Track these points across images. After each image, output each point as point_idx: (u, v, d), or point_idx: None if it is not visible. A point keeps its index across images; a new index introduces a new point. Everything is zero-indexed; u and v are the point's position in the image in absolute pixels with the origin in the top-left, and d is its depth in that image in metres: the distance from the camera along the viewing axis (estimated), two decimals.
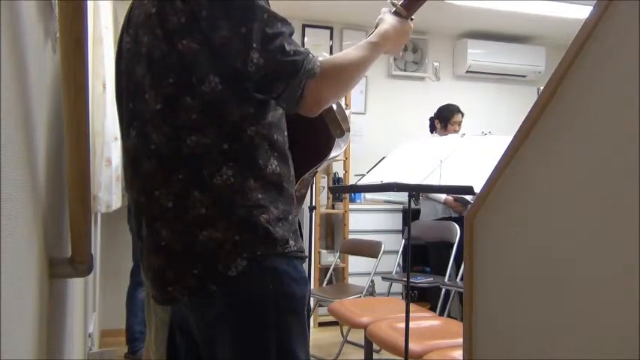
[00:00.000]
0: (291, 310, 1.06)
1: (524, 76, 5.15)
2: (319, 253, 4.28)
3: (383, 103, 4.91)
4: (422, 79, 5.05)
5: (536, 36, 5.03)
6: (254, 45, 0.99)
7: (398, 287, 4.01)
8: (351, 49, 1.13)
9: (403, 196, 2.34)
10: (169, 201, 1.03)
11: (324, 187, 4.37)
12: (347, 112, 1.27)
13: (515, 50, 5.02)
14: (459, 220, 3.62)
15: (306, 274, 1.12)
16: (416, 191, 2.37)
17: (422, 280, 3.43)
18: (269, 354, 1.03)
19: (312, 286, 3.89)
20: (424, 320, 2.63)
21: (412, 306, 2.34)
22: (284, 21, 1.03)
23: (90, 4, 2.06)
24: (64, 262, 1.02)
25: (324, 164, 1.40)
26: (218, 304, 1.03)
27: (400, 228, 4.38)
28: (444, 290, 3.39)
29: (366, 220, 4.40)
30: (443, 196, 3.81)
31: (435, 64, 5.06)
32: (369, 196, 4.56)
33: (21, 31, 0.75)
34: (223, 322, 1.03)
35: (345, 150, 3.58)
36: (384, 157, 2.74)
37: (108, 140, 2.32)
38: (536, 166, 0.76)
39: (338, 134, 1.24)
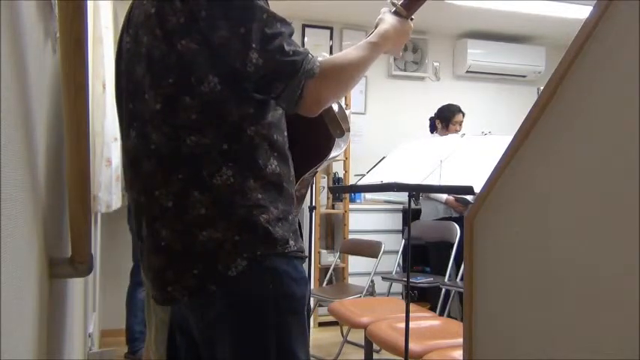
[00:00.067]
0: (291, 310, 1.06)
1: (524, 76, 5.15)
2: (319, 253, 4.28)
3: (383, 103, 4.91)
4: (422, 79, 5.05)
5: (536, 36, 5.03)
6: (253, 45, 0.99)
7: (398, 287, 4.01)
8: (350, 49, 1.13)
9: (403, 196, 2.34)
10: (169, 201, 1.03)
11: (324, 187, 4.37)
12: (347, 112, 1.27)
13: (515, 50, 5.02)
14: (459, 220, 3.62)
15: (306, 274, 1.12)
16: (416, 191, 2.38)
17: (422, 280, 3.43)
18: (269, 354, 1.03)
19: (312, 286, 3.89)
20: (424, 320, 2.63)
21: (412, 306, 2.34)
22: (283, 21, 1.03)
23: (90, 4, 2.06)
24: (64, 262, 1.02)
25: (324, 164, 1.40)
26: (218, 304, 1.03)
27: (400, 228, 4.38)
28: (444, 290, 3.39)
29: (366, 220, 4.40)
30: (444, 196, 3.81)
31: (435, 64, 5.06)
32: (369, 196, 4.56)
33: (21, 31, 0.75)
34: (223, 322, 1.03)
35: (345, 150, 3.58)
36: (384, 157, 2.74)
37: (108, 140, 2.33)
38: (536, 166, 0.76)
39: (338, 134, 1.24)
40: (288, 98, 1.03)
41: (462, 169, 2.27)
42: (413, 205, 2.54)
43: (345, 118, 1.24)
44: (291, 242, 1.06)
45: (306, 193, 1.32)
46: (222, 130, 1.02)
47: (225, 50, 1.00)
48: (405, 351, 2.13)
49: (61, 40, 0.92)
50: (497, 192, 0.83)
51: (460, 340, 0.91)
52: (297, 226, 1.11)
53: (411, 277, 2.51)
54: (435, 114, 4.11)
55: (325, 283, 3.96)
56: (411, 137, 3.55)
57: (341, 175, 4.50)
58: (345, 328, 3.21)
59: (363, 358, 2.79)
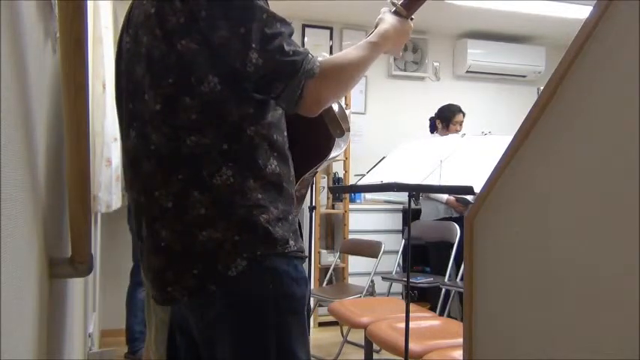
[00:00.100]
0: (291, 310, 1.06)
1: (524, 76, 5.15)
2: (319, 253, 4.28)
3: (383, 103, 4.91)
4: (422, 79, 5.05)
5: (536, 36, 5.03)
6: (253, 45, 0.99)
7: (398, 287, 4.01)
8: (350, 49, 1.13)
9: (403, 196, 2.34)
10: (169, 201, 1.03)
11: (324, 187, 4.37)
12: (347, 112, 1.26)
13: (515, 50, 5.02)
14: (459, 220, 3.62)
15: (306, 274, 1.12)
16: (416, 191, 2.37)
17: (422, 280, 3.43)
18: (269, 354, 1.03)
19: (312, 286, 3.89)
20: (424, 320, 2.63)
21: (412, 306, 2.34)
22: (283, 21, 1.03)
23: (90, 4, 2.06)
24: (64, 262, 1.02)
25: (324, 164, 1.40)
26: (218, 305, 1.03)
27: (400, 228, 4.38)
28: (444, 290, 3.39)
29: (366, 220, 4.40)
30: (445, 196, 3.81)
31: (435, 64, 5.06)
32: (369, 196, 4.56)
33: (21, 31, 0.75)
34: (223, 322, 1.03)
35: (345, 150, 3.58)
36: (384, 157, 2.74)
37: (108, 140, 2.33)
38: (536, 166, 0.76)
39: (338, 134, 1.24)
40: (288, 98, 1.03)
41: (462, 169, 2.27)
42: (413, 205, 2.54)
43: (345, 118, 1.24)
44: (291, 242, 1.06)
45: (306, 193, 1.32)
46: (222, 130, 1.02)
47: (225, 50, 1.00)
48: (405, 351, 2.13)
49: (61, 40, 0.92)
50: (497, 192, 0.83)
51: (460, 340, 0.91)
52: (297, 226, 1.11)
53: (411, 277, 2.51)
54: (436, 114, 4.11)
55: (325, 283, 3.96)
56: (411, 137, 3.55)
57: (341, 175, 4.50)
58: (345, 328, 3.21)
59: (363, 358, 2.79)
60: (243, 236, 1.02)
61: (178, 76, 1.01)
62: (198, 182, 1.02)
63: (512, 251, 0.80)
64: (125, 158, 1.13)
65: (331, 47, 4.73)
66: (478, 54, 4.94)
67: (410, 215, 2.55)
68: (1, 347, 0.59)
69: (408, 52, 4.95)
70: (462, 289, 3.01)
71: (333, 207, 4.51)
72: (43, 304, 0.92)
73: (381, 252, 3.45)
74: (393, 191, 2.32)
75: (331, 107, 1.19)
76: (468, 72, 5.03)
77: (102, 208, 2.33)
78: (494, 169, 0.83)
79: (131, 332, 3.26)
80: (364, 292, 3.36)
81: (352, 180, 4.32)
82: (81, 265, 1.02)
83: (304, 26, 4.69)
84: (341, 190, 4.24)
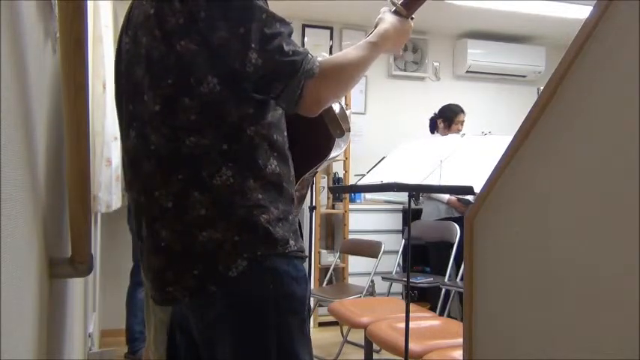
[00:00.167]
0: (292, 310, 1.06)
1: (524, 76, 5.15)
2: (319, 253, 4.28)
3: (383, 103, 4.91)
4: (422, 79, 5.05)
5: (536, 36, 5.03)
6: (252, 45, 0.99)
7: (398, 287, 4.01)
8: (350, 49, 1.13)
9: (403, 196, 2.34)
10: (169, 201, 1.03)
11: (324, 187, 4.37)
12: (347, 112, 1.26)
13: (515, 50, 5.02)
14: (459, 220, 3.62)
15: (307, 274, 1.12)
16: (416, 191, 2.38)
17: (422, 280, 3.43)
18: (269, 354, 1.03)
19: (312, 286, 3.89)
20: (424, 320, 2.63)
21: (412, 306, 2.34)
22: (283, 21, 1.03)
23: (90, 4, 2.06)
24: (64, 262, 1.02)
25: (324, 164, 1.40)
26: (218, 305, 1.03)
27: (400, 228, 4.38)
28: (444, 290, 3.39)
29: (366, 220, 4.40)
30: (446, 196, 3.81)
31: (435, 64, 5.06)
32: (369, 196, 4.56)
33: (21, 31, 0.75)
34: (223, 322, 1.03)
35: (345, 150, 3.58)
36: (384, 157, 2.74)
37: (108, 140, 2.33)
38: (536, 166, 0.76)
39: (338, 134, 1.24)
40: (288, 98, 1.03)
41: (462, 169, 2.27)
42: (413, 205, 2.54)
43: (346, 118, 1.24)
44: (292, 242, 1.06)
45: (306, 193, 1.32)
46: (221, 130, 1.02)
47: (225, 51, 1.00)
48: (405, 351, 2.13)
49: (61, 40, 0.92)
50: (497, 192, 0.83)
51: (460, 340, 0.91)
52: (298, 226, 1.11)
53: (411, 277, 2.51)
54: (437, 114, 4.10)
55: (325, 283, 3.96)
56: (411, 137, 3.55)
57: (341, 175, 4.50)
58: (345, 328, 3.21)
59: (363, 358, 2.79)
60: (244, 236, 1.02)
61: (178, 77, 1.01)
62: (198, 182, 1.02)
63: (512, 251, 0.80)
64: (125, 158, 1.13)
65: (331, 47, 4.73)
66: (478, 54, 4.94)
67: (410, 215, 2.55)
68: (1, 347, 0.59)
69: (408, 52, 4.95)
70: (462, 289, 3.01)
71: (333, 207, 4.51)
72: (43, 304, 0.92)
73: (381, 252, 3.45)
74: (393, 191, 2.32)
75: (331, 107, 1.19)
76: (467, 72, 5.03)
77: (102, 208, 2.33)
78: (494, 169, 0.83)
79: (131, 332, 3.26)
80: (364, 292, 3.37)
81: (352, 180, 4.32)
82: (81, 265, 1.02)
83: (304, 26, 4.69)
84: (341, 190, 4.24)
